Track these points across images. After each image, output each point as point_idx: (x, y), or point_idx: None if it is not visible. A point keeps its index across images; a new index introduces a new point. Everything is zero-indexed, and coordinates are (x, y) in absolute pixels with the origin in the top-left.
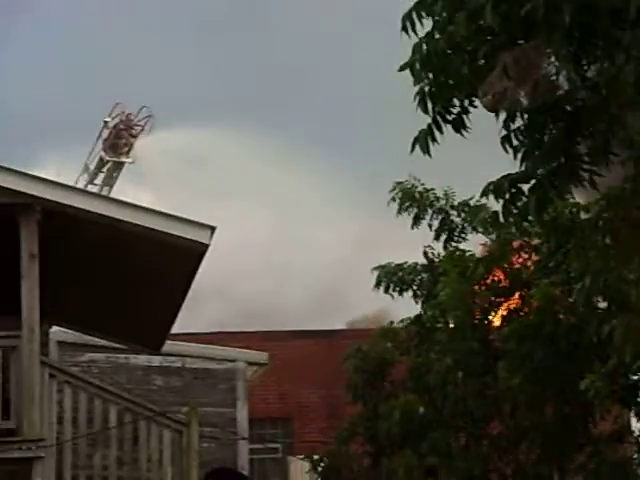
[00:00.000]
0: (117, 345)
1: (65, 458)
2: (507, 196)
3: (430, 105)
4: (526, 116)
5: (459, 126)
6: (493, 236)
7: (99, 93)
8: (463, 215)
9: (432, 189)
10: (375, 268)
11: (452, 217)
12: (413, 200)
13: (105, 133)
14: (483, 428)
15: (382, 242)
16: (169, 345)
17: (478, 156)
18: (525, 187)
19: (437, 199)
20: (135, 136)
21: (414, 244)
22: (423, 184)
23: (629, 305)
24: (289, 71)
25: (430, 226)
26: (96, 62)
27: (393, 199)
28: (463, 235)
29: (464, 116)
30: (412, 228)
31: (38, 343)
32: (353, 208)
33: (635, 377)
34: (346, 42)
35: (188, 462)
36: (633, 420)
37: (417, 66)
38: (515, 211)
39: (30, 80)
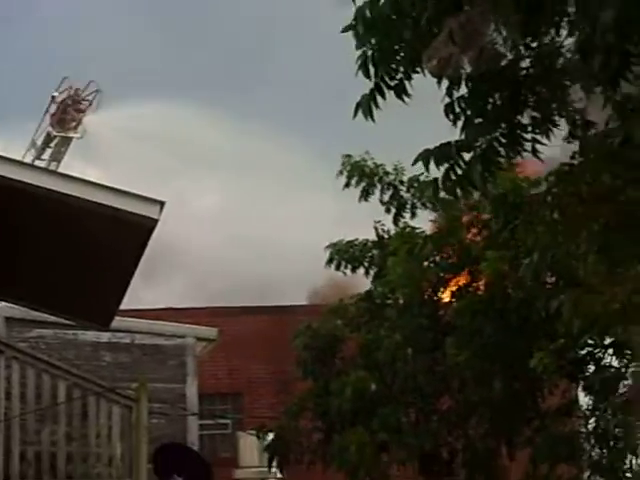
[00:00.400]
0: (65, 321)
1: (13, 434)
2: (448, 164)
3: (373, 70)
4: (470, 84)
5: (401, 92)
6: (440, 212)
7: (47, 68)
8: (412, 191)
9: (382, 164)
10: (327, 246)
11: (401, 192)
12: (362, 174)
13: (53, 108)
14: (432, 404)
15: (339, 217)
16: (118, 321)
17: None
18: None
19: (386, 174)
20: (83, 111)
21: (368, 220)
22: (373, 159)
23: (577, 280)
24: (239, 47)
25: (381, 201)
26: (44, 36)
27: (341, 172)
28: (413, 211)
29: (406, 82)
30: (359, 201)
31: None
32: (308, 183)
33: (582, 352)
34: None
35: (137, 438)
36: (580, 394)
37: (360, 30)
38: (455, 179)
39: None
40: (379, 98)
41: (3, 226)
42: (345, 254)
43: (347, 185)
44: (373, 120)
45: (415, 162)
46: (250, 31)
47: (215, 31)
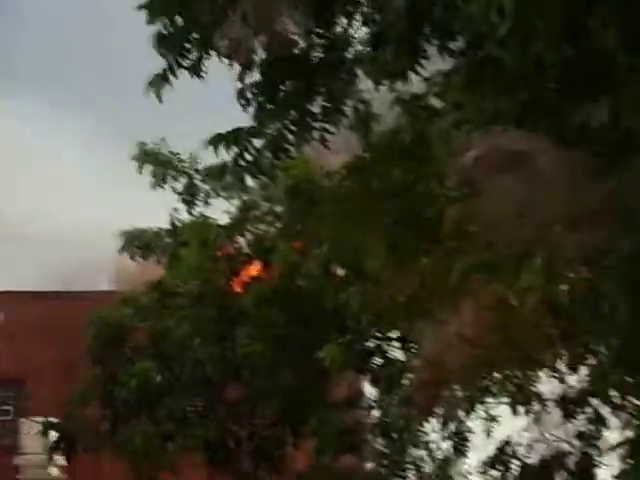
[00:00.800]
0: None
1: None
2: (238, 149)
3: (165, 49)
4: (259, 66)
5: (196, 72)
6: (236, 202)
7: None
8: (207, 180)
9: (177, 153)
10: (120, 234)
11: (196, 181)
12: (156, 162)
13: None
14: (220, 393)
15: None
16: None
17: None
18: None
19: (180, 161)
20: None
21: (165, 208)
22: (168, 146)
23: (366, 274)
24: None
25: (173, 189)
26: None
27: (135, 160)
28: (207, 200)
29: (201, 62)
30: (154, 189)
31: None
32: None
33: (370, 345)
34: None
35: None
36: (366, 386)
37: (156, 7)
38: (244, 164)
39: None
40: (172, 78)
41: None
42: (137, 241)
43: (139, 172)
44: (160, 101)
45: (207, 146)
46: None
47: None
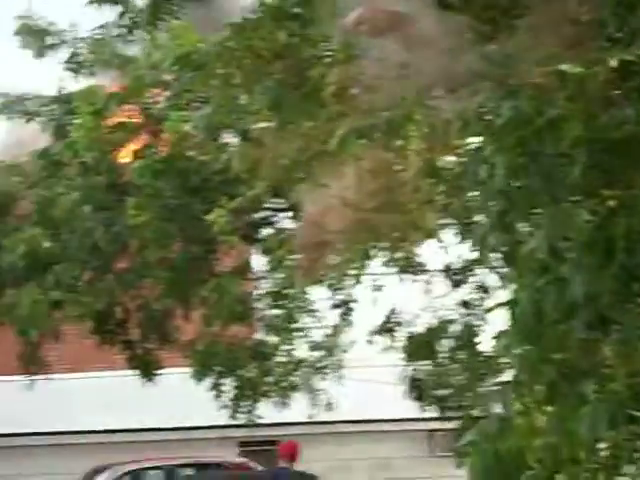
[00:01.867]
0: None
1: None
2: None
3: None
4: None
5: None
6: (122, 71)
7: None
8: (92, 49)
9: (54, 22)
10: None
11: (80, 51)
12: (33, 33)
13: None
14: (109, 263)
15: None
16: None
17: None
18: None
19: (61, 32)
20: None
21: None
22: (45, 18)
23: (249, 137)
24: None
25: (57, 59)
26: None
27: (17, 33)
28: (92, 69)
29: None
30: (38, 58)
31: None
32: None
33: (258, 214)
34: None
35: None
36: (255, 256)
37: None
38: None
39: None
40: None
41: None
42: (18, 106)
43: (24, 45)
44: None
45: (89, 3)
46: None
47: None
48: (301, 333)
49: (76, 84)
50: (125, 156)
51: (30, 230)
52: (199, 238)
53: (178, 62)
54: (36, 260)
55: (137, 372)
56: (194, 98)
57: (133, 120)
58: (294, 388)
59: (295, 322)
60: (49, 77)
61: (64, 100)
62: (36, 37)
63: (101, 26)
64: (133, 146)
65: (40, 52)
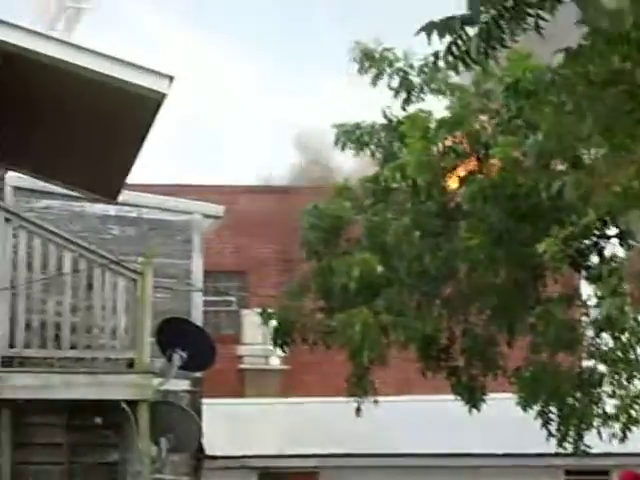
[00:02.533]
0: (73, 193)
1: (19, 303)
2: (452, 37)
3: None
4: None
5: None
6: (451, 98)
7: None
8: (422, 76)
9: (392, 48)
10: (334, 126)
11: (411, 77)
12: (372, 60)
13: None
14: (437, 288)
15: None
16: (126, 195)
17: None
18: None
19: (397, 59)
20: None
21: (372, 105)
22: (383, 44)
23: (581, 164)
24: None
25: (389, 86)
26: None
27: (354, 59)
28: (422, 96)
29: None
30: (371, 87)
31: None
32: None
33: (588, 241)
34: None
35: (142, 311)
36: (583, 283)
37: None
38: (457, 53)
39: None
40: None
41: (14, 97)
42: (352, 135)
43: (360, 71)
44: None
45: (418, 33)
46: None
47: None
48: (634, 363)
49: (404, 111)
50: (453, 181)
51: (360, 254)
52: (527, 264)
53: (508, 89)
54: (368, 284)
55: (461, 398)
56: (523, 124)
57: (461, 146)
58: (633, 422)
59: (628, 352)
60: (378, 104)
61: (393, 127)
62: (372, 64)
63: (433, 54)
64: (461, 172)
65: (375, 80)
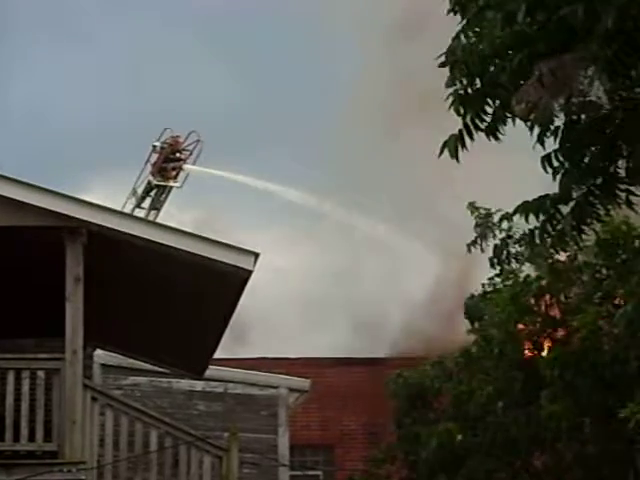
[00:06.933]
0: (160, 369)
1: None
2: (545, 217)
3: (462, 110)
4: (561, 131)
5: (493, 133)
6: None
7: (148, 118)
8: (522, 244)
9: (490, 212)
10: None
11: (510, 247)
12: (488, 228)
13: (153, 157)
14: (526, 459)
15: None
16: (212, 370)
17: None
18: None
19: (500, 229)
20: (183, 160)
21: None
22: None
23: None
24: None
25: (491, 260)
26: (145, 87)
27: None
28: (513, 260)
29: (499, 124)
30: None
31: (81, 366)
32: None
33: None
34: None
35: None
36: None
37: (457, 71)
38: (552, 232)
39: (79, 105)
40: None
41: (101, 274)
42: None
43: (475, 244)
44: (458, 161)
45: (513, 214)
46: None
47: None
48: None
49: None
50: (538, 348)
51: (445, 424)
52: (615, 433)
53: (604, 248)
54: (448, 454)
55: None
56: (609, 294)
57: (549, 313)
58: None
59: None
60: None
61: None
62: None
63: (529, 233)
64: (547, 339)
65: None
